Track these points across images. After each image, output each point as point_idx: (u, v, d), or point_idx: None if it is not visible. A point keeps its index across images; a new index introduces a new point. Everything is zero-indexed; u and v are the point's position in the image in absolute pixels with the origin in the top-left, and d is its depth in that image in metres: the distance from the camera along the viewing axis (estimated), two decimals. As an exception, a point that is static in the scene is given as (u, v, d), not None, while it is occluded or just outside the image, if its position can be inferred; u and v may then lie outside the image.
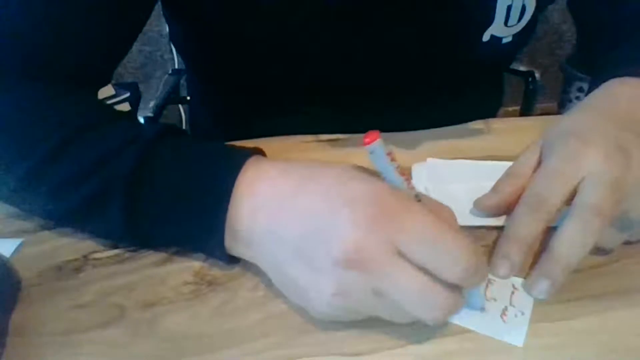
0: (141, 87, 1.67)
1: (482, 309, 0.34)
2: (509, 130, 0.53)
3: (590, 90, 0.56)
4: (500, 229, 0.39)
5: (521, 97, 1.08)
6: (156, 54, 1.71)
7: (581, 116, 0.41)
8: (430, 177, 0.45)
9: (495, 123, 0.54)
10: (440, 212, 0.32)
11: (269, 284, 0.35)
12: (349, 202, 0.30)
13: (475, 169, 0.46)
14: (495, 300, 0.34)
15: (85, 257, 0.39)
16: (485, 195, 0.40)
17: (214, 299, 0.35)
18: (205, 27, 0.52)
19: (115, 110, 0.44)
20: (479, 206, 0.40)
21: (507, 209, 0.40)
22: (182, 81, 1.13)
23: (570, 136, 0.38)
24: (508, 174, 0.40)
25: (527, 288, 0.35)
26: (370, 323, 0.33)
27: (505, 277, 0.35)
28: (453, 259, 0.28)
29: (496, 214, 0.40)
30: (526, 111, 1.09)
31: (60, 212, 0.39)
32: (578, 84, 1.80)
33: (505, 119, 0.56)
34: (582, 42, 0.62)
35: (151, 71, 1.73)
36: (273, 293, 0.35)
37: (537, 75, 1.04)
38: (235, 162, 0.35)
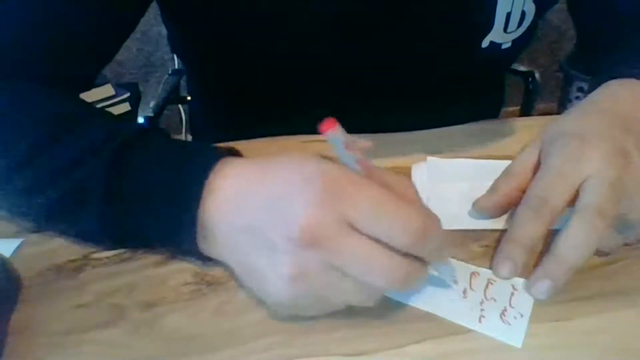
0: (141, 87, 1.67)
1: (455, 283, 0.35)
2: (509, 130, 0.53)
3: (589, 92, 0.55)
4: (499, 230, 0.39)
5: (521, 97, 1.08)
6: (156, 54, 1.71)
7: (580, 117, 0.41)
8: (430, 176, 0.45)
9: (496, 123, 0.55)
10: (397, 184, 0.32)
11: (269, 284, 0.35)
12: (300, 182, 0.30)
13: (476, 167, 0.46)
14: (495, 300, 0.34)
15: (85, 257, 0.39)
16: (483, 196, 0.40)
17: (214, 299, 0.35)
18: (203, 31, 0.52)
19: (94, 107, 0.43)
20: (477, 207, 0.40)
21: (506, 210, 0.40)
22: (182, 81, 1.12)
23: (571, 137, 0.38)
24: (506, 174, 0.40)
25: (528, 288, 0.35)
26: (370, 323, 0.33)
27: (506, 278, 0.35)
28: (400, 225, 0.29)
29: (494, 214, 0.40)
30: (526, 111, 1.09)
31: (35, 212, 0.39)
32: (578, 84, 1.80)
33: (505, 119, 0.56)
34: (582, 44, 0.62)
35: (151, 71, 1.72)
36: (273, 293, 0.35)
37: (537, 75, 1.04)
38: (207, 162, 0.35)
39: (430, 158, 0.47)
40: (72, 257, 0.39)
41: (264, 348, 0.32)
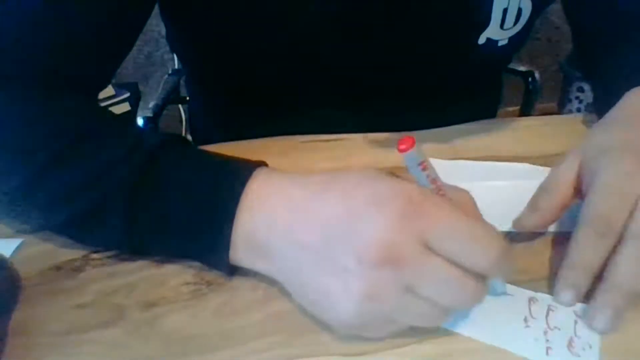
0: (141, 87, 1.67)
1: (504, 294, 0.34)
2: (509, 130, 0.53)
3: (595, 94, 0.55)
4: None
5: (521, 97, 1.08)
6: (156, 54, 1.71)
7: (619, 130, 0.40)
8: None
9: (495, 123, 0.55)
10: (462, 201, 0.32)
11: (269, 284, 0.35)
12: (374, 201, 0.30)
13: (476, 169, 0.46)
14: (559, 329, 0.32)
15: (85, 257, 0.39)
16: (524, 215, 0.38)
17: (214, 299, 0.35)
18: (203, 30, 0.52)
19: (115, 115, 0.43)
20: (519, 226, 0.38)
21: (546, 227, 0.39)
22: (182, 81, 1.12)
23: (621, 151, 0.36)
24: (545, 190, 0.38)
25: (589, 320, 0.33)
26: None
27: (569, 305, 0.34)
28: (482, 251, 0.29)
29: (536, 231, 0.39)
30: (526, 111, 1.09)
31: (58, 223, 0.38)
32: (578, 84, 1.80)
33: (505, 119, 0.56)
34: (579, 44, 0.61)
35: (151, 71, 1.72)
36: (273, 293, 0.35)
37: (537, 75, 1.04)
38: (242, 172, 0.34)
39: (430, 160, 0.47)
40: (72, 257, 0.39)
41: (264, 348, 0.32)
